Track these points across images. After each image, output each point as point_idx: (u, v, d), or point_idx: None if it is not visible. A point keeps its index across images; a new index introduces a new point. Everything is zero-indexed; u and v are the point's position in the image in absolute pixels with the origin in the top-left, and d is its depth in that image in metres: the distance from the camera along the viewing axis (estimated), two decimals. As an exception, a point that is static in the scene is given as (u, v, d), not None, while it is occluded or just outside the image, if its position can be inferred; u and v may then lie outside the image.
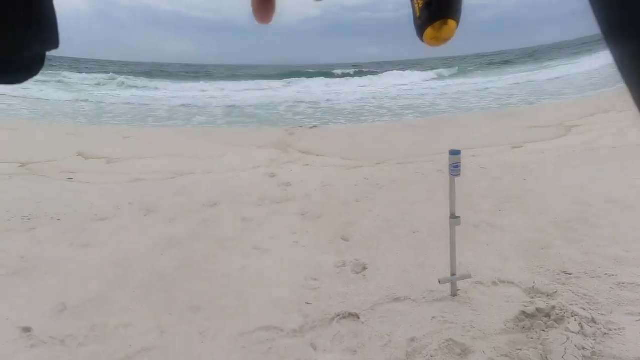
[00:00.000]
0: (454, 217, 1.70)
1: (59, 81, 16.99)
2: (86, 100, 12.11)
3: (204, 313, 1.77)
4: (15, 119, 8.06)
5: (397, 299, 1.75)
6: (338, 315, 1.67)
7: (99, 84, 17.44)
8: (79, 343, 1.60)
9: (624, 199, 2.51)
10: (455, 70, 22.89)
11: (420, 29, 0.29)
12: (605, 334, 1.46)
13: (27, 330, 1.66)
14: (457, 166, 1.65)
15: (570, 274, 1.85)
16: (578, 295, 1.69)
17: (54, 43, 0.20)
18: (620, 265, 1.84)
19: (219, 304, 1.83)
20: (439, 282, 1.70)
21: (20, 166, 4.13)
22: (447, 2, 0.28)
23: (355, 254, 2.21)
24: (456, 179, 1.68)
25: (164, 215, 2.93)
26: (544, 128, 5.23)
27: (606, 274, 1.80)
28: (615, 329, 1.47)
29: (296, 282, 1.98)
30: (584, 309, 1.60)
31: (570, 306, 1.62)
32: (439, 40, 0.29)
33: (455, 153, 1.65)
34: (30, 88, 12.29)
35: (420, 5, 0.29)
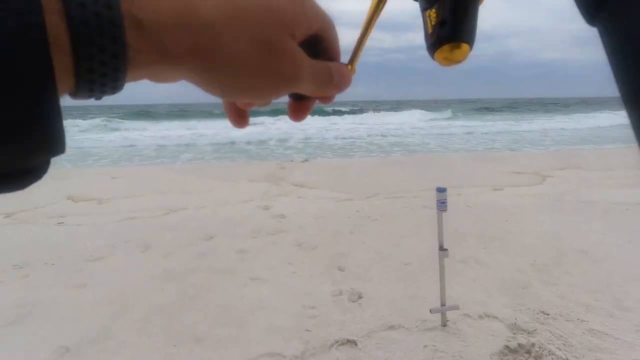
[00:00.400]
0: (442, 249, 1.86)
1: None
2: (70, 146, 11.92)
3: (206, 343, 1.81)
4: None
5: (391, 327, 1.87)
6: (337, 342, 1.76)
7: (82, 129, 16.65)
8: (85, 382, 1.60)
9: (592, 250, 2.74)
10: (448, 113, 23.98)
11: (433, 47, 0.29)
12: (578, 375, 1.61)
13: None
14: (443, 202, 1.83)
15: (548, 314, 2.00)
16: (555, 336, 1.83)
17: (61, 149, 0.18)
18: (591, 312, 1.99)
19: (220, 333, 1.88)
20: (430, 311, 1.83)
21: (6, 217, 3.99)
22: (462, 25, 0.28)
23: (351, 284, 2.33)
24: (443, 213, 1.86)
25: (160, 251, 2.96)
26: (522, 174, 5.61)
27: (579, 319, 1.95)
28: (586, 373, 1.62)
29: (295, 310, 2.06)
30: (560, 349, 1.73)
31: (548, 345, 1.76)
32: (450, 62, 0.29)
33: (441, 190, 1.83)
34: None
35: (434, 23, 0.29)
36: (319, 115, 21.29)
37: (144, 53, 0.21)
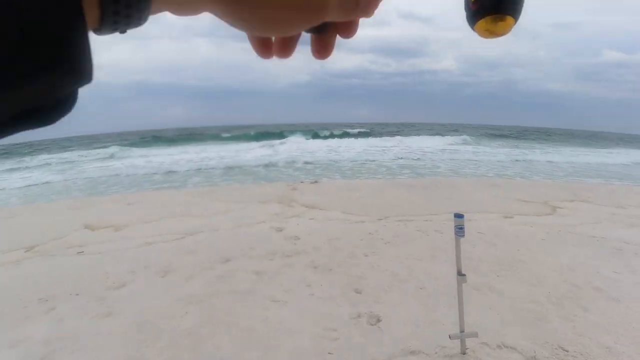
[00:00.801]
0: (460, 274, 1.92)
1: (45, 164, 16.04)
2: (80, 177, 11.63)
3: (233, 366, 1.85)
4: (7, 207, 7.52)
5: (412, 352, 1.91)
6: (359, 365, 1.81)
7: (92, 158, 16.83)
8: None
9: (608, 289, 2.71)
10: (461, 137, 23.88)
11: (474, 17, 0.28)
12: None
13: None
14: (461, 228, 1.87)
15: (567, 351, 1.99)
16: None
17: (88, 77, 0.18)
18: (612, 355, 1.95)
19: (247, 356, 1.93)
20: (449, 337, 1.88)
21: (27, 251, 4.02)
22: None
23: (369, 306, 2.38)
24: (460, 239, 1.91)
25: (180, 275, 3.02)
26: (531, 203, 5.66)
27: None
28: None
29: (316, 333, 2.12)
30: None
31: None
32: (492, 34, 0.28)
33: (459, 216, 1.87)
34: (11, 178, 11.93)
35: None
36: (321, 137, 21.61)
37: None
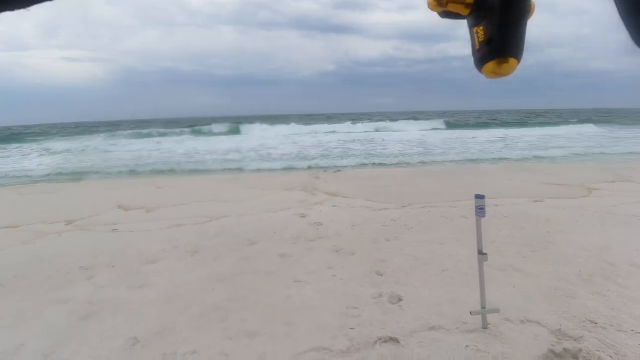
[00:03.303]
0: (481, 253, 1.91)
1: (83, 149, 16.49)
2: (115, 157, 12.49)
3: (259, 338, 1.96)
4: (52, 184, 8.28)
5: (432, 328, 1.93)
6: (380, 339, 1.86)
7: (121, 142, 17.33)
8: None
9: None
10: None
11: (480, 62, 0.30)
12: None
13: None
14: (482, 208, 1.89)
15: (595, 323, 1.95)
16: (605, 344, 1.78)
17: None
18: None
19: (271, 329, 2.03)
20: (470, 313, 1.88)
21: (67, 224, 4.43)
22: (508, 40, 0.28)
23: (390, 287, 2.41)
24: (482, 220, 1.91)
25: (208, 255, 3.19)
26: (565, 186, 5.42)
27: (633, 330, 1.87)
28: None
29: (338, 310, 2.18)
30: (611, 357, 1.69)
31: (597, 352, 1.72)
32: (498, 75, 0.30)
33: (480, 197, 1.89)
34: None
35: (481, 39, 0.30)
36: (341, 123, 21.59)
37: None
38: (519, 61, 0.29)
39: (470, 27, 0.31)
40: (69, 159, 12.90)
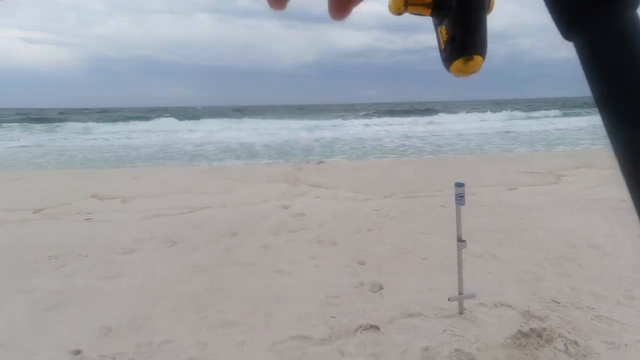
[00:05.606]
0: (460, 240, 1.99)
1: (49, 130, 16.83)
2: (85, 147, 12.28)
3: (238, 328, 1.98)
4: (17, 169, 8.00)
5: (411, 315, 2.01)
6: (360, 327, 1.92)
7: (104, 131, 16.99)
8: (129, 359, 1.76)
9: (603, 246, 2.83)
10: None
11: (446, 61, 0.30)
12: (585, 355, 1.71)
13: (78, 352, 1.80)
14: (462, 196, 1.97)
15: (558, 303, 2.12)
16: (564, 321, 1.95)
17: None
18: (599, 301, 2.11)
19: (250, 319, 2.05)
20: (448, 299, 1.97)
21: (34, 212, 4.20)
22: (471, 39, 0.29)
23: (372, 276, 2.48)
24: (461, 208, 1.99)
25: (187, 246, 3.15)
26: (536, 174, 5.64)
27: (587, 307, 2.07)
28: (592, 353, 1.72)
29: (319, 300, 2.23)
30: (569, 333, 1.85)
31: (558, 329, 1.88)
32: (465, 74, 0.30)
33: (459, 185, 1.97)
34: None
35: (445, 39, 0.30)
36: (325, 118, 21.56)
37: None
38: (483, 58, 0.30)
39: (435, 26, 0.32)
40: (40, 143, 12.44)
